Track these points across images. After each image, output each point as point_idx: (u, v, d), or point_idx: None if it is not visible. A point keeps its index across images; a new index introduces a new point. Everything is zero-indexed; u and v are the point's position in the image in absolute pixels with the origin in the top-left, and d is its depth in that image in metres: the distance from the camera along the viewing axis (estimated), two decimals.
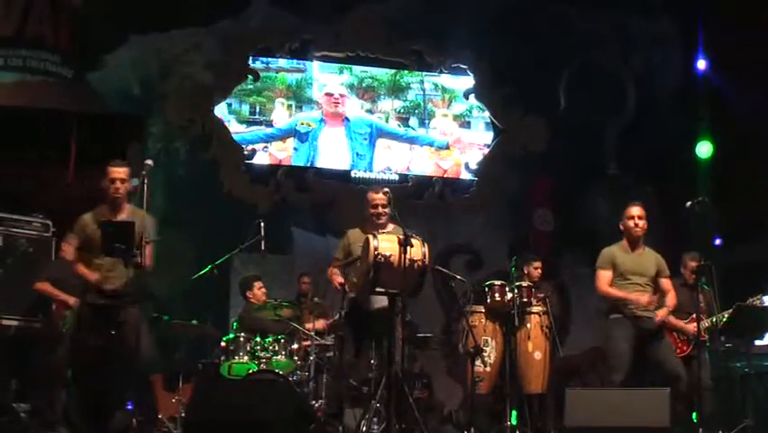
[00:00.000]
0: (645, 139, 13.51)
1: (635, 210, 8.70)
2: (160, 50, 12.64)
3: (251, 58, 13.17)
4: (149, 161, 8.00)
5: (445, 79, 13.85)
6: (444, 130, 13.77)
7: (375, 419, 7.78)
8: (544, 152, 13.62)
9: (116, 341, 7.73)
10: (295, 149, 13.18)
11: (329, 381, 9.38)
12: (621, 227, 8.78)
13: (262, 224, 9.36)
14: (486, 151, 13.73)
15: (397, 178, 13.15)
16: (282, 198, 12.86)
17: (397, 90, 13.76)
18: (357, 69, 13.61)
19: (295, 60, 13.34)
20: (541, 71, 13.49)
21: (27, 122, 11.83)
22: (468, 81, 13.81)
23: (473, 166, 13.61)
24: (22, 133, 11.73)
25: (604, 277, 8.72)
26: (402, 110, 13.72)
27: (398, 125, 13.64)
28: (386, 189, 8.25)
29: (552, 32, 13.50)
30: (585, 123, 13.43)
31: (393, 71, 13.69)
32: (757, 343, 9.68)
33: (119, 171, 8.00)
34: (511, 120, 13.72)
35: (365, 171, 13.23)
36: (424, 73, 13.76)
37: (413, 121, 13.73)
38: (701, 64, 13.59)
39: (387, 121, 13.60)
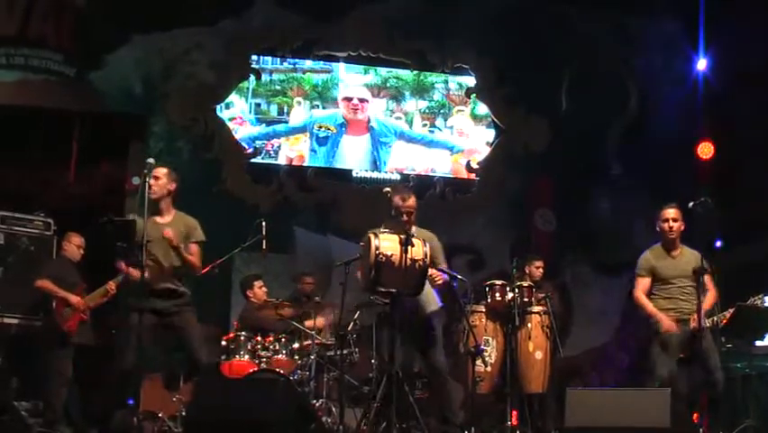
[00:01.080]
0: (647, 140, 13.50)
1: (671, 213, 8.61)
2: (163, 50, 12.64)
3: (279, 59, 13.23)
4: (150, 159, 8.02)
5: (470, 80, 13.82)
6: (462, 129, 13.79)
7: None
8: (545, 152, 13.60)
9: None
10: (313, 150, 13.14)
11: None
12: (657, 229, 8.70)
13: (264, 223, 9.39)
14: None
15: (399, 177, 13.12)
16: (284, 198, 12.85)
17: (422, 90, 13.74)
18: (382, 69, 13.58)
19: (321, 62, 13.34)
20: (542, 71, 13.47)
21: (29, 121, 11.86)
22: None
23: (475, 165, 13.60)
24: (23, 131, 11.75)
25: (641, 284, 8.67)
26: (427, 110, 13.71)
27: (423, 125, 13.63)
28: (412, 194, 8.29)
29: (552, 32, 13.47)
30: (587, 123, 13.41)
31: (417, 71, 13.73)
32: (758, 343, 9.67)
33: (156, 170, 8.03)
34: (513, 120, 13.71)
35: (366, 171, 13.22)
36: (448, 74, 13.78)
37: (439, 121, 13.73)
38: (702, 64, 13.58)
39: (411, 121, 13.59)
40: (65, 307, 9.56)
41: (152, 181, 7.92)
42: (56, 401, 9.45)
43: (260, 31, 13.07)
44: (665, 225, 8.58)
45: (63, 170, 12.14)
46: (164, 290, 8.04)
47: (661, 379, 8.21)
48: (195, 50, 12.77)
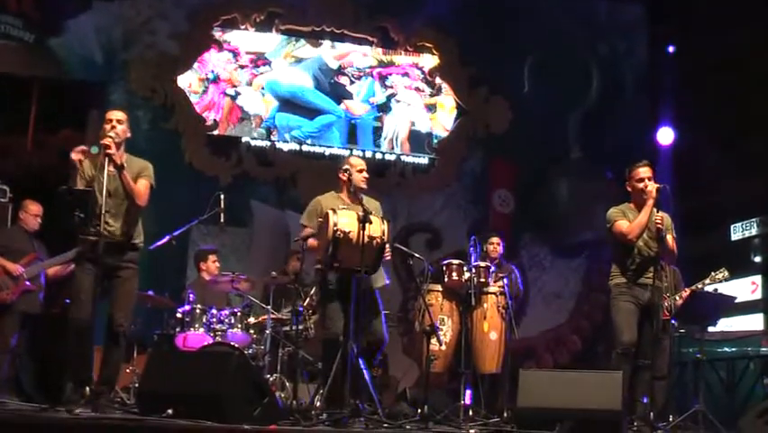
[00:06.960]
0: (608, 124, 13.56)
1: (645, 171, 8.12)
2: (124, 18, 12.56)
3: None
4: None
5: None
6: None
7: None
8: (506, 133, 13.62)
9: None
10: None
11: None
12: (628, 189, 8.22)
13: (222, 196, 9.31)
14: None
15: (360, 154, 13.06)
16: (243, 171, 12.78)
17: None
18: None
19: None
20: (507, 54, 13.48)
21: None
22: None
23: (435, 145, 13.59)
24: None
25: (624, 224, 8.07)
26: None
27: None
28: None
29: (516, 15, 13.47)
30: (548, 106, 13.44)
31: None
32: (710, 329, 9.71)
33: (115, 113, 7.75)
34: (475, 101, 13.71)
35: (329, 147, 13.18)
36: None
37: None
38: (665, 51, 13.66)
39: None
40: (3, 275, 9.33)
41: (116, 124, 7.67)
42: None
43: (223, 3, 12.99)
44: (641, 185, 8.05)
45: (20, 137, 12.01)
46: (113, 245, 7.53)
47: (624, 345, 8.05)
48: (156, 19, 12.70)
